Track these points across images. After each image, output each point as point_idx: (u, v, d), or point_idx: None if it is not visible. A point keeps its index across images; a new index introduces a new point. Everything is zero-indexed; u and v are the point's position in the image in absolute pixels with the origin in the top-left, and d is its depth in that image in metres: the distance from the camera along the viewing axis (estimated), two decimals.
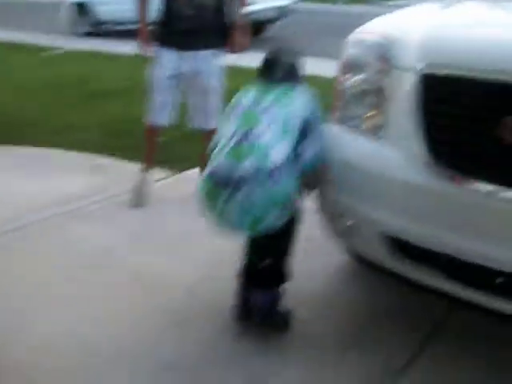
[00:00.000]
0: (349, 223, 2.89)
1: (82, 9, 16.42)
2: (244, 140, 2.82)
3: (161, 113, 4.76)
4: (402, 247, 2.73)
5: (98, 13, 16.20)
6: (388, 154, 2.69)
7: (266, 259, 3.05)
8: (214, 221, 2.93)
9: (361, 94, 2.89)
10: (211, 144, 3.06)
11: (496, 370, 2.83)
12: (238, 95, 3.11)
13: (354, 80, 2.93)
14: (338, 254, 3.65)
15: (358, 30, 3.07)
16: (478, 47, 2.56)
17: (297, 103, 2.92)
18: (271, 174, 2.75)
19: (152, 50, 4.70)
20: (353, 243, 3.14)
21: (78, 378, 2.81)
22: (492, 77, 2.41)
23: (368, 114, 2.84)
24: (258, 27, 15.81)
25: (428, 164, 2.53)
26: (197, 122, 4.87)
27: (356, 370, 2.86)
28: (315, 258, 3.79)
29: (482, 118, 2.42)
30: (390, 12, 3.22)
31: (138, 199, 4.77)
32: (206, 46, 4.67)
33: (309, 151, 2.88)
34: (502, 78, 2.38)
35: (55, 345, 3.05)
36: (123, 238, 4.21)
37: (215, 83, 4.78)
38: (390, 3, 21.66)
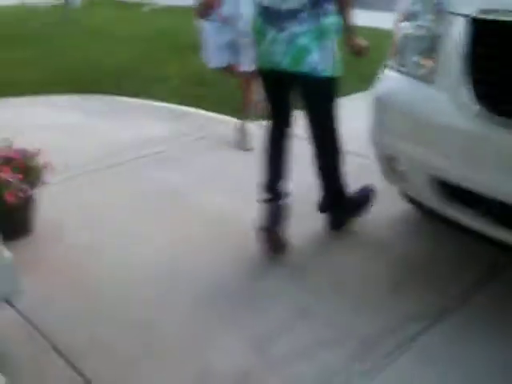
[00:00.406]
0: (401, 168, 3.00)
1: None
2: None
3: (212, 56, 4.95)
4: (451, 191, 2.82)
5: None
6: (439, 100, 2.75)
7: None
8: (263, 56, 3.18)
9: (416, 41, 2.95)
10: None
11: None
12: None
13: (410, 26, 3.00)
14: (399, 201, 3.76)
15: None
16: None
17: None
18: (318, 4, 3.00)
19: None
20: (406, 188, 3.24)
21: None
22: None
23: (422, 60, 2.91)
24: None
25: (476, 109, 2.60)
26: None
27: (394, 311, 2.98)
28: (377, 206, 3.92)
29: None
30: None
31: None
32: None
33: None
34: None
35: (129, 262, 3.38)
36: (193, 179, 4.47)
37: None
38: None
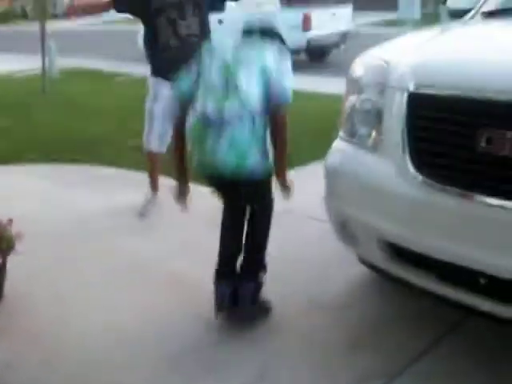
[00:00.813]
0: (353, 231, 3.21)
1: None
2: (228, 85, 3.29)
3: (160, 140, 5.15)
4: (398, 253, 3.03)
5: None
6: (384, 168, 3.01)
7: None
8: (203, 163, 3.42)
9: (362, 113, 3.21)
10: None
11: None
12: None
13: (357, 99, 3.25)
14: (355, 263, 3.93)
15: (362, 54, 3.42)
16: (457, 70, 2.90)
17: (266, 54, 3.37)
18: (252, 115, 3.26)
19: None
20: (359, 250, 3.44)
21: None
22: (470, 94, 2.73)
23: (369, 132, 3.16)
24: (321, 52, 16.23)
25: (417, 176, 2.84)
26: None
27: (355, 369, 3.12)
28: (334, 266, 4.12)
29: (462, 132, 2.72)
30: None
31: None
32: None
33: (279, 85, 3.32)
34: (479, 95, 2.69)
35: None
36: (165, 248, 4.62)
37: None
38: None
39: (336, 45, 15.72)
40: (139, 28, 18.03)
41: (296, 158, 6.37)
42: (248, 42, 3.45)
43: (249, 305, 3.57)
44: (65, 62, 15.29)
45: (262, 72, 3.29)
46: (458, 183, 2.71)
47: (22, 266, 3.94)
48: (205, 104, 3.32)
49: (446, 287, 2.91)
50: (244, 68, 3.31)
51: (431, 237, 2.82)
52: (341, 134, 3.38)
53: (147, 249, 4.60)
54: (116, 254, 4.51)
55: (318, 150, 6.70)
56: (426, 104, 2.88)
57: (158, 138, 5.15)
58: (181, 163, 3.58)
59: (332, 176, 3.35)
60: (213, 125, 3.30)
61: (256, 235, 3.62)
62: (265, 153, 3.35)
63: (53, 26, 12.53)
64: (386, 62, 3.14)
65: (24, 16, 58.06)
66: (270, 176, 3.45)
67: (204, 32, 4.97)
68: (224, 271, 3.60)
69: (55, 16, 35.77)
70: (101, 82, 13.80)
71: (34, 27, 39.06)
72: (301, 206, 5.06)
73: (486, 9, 4.07)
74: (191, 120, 3.49)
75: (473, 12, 4.13)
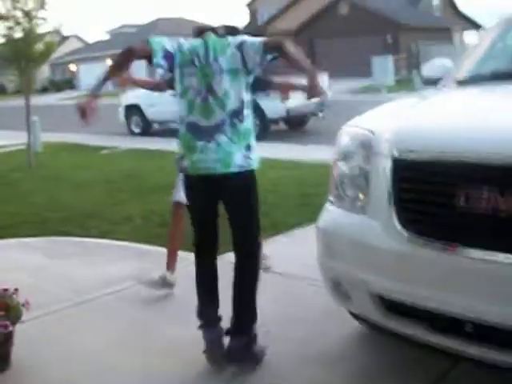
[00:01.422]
0: (345, 288, 3.42)
1: (134, 111, 17.62)
2: (209, 95, 3.67)
3: None
4: (389, 305, 3.24)
5: (148, 114, 17.44)
6: (373, 228, 3.24)
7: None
8: (194, 166, 3.72)
9: (350, 178, 3.47)
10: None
11: None
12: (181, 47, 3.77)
13: (345, 166, 3.51)
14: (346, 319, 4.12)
15: (348, 123, 3.69)
16: (436, 136, 3.18)
17: (232, 46, 3.71)
18: (236, 114, 3.67)
19: None
20: (350, 306, 3.64)
21: None
22: (449, 158, 3.00)
23: (357, 195, 3.41)
24: (300, 121, 16.66)
25: (403, 233, 3.08)
26: None
27: None
28: (327, 323, 4.30)
29: (443, 192, 2.99)
30: None
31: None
32: None
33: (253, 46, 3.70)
34: (457, 158, 2.98)
35: None
36: (160, 314, 4.78)
37: None
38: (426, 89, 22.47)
39: (314, 113, 16.15)
40: (120, 102, 18.63)
41: (283, 224, 6.64)
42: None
43: (240, 358, 3.79)
44: (46, 137, 15.57)
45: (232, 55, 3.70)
46: (441, 238, 2.95)
47: (25, 334, 4.08)
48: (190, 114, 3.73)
49: (437, 336, 3.11)
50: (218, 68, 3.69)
51: (419, 289, 3.04)
52: (330, 198, 3.62)
53: (145, 316, 4.75)
54: (116, 321, 4.67)
55: (302, 215, 7.02)
56: (409, 168, 3.15)
57: None
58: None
59: (324, 237, 3.58)
60: (199, 132, 3.69)
61: (244, 284, 3.87)
62: (251, 146, 3.73)
63: (33, 100, 12.81)
64: (371, 131, 3.41)
65: (2, 92, 58.90)
66: (255, 183, 3.82)
67: None
68: (206, 317, 3.90)
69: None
70: (85, 155, 14.08)
71: (10, 102, 39.42)
72: (290, 267, 5.29)
73: (458, 76, 4.38)
74: (180, 129, 3.82)
75: (446, 79, 4.44)
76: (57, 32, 12.80)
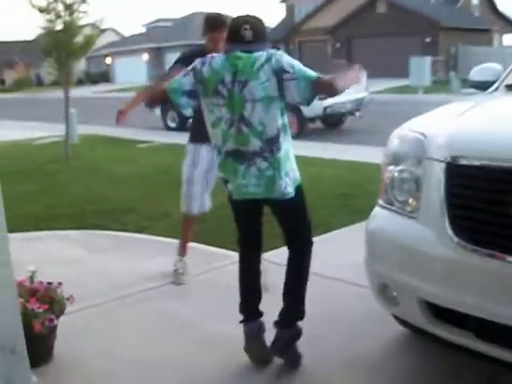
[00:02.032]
0: (393, 293, 3.38)
1: (171, 105, 17.63)
2: (242, 125, 3.48)
3: (201, 203, 5.32)
4: (438, 312, 3.19)
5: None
6: (423, 233, 3.20)
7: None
8: (237, 190, 3.64)
9: (401, 183, 3.42)
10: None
11: None
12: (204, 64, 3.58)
13: (395, 169, 3.46)
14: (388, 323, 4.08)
15: (400, 127, 3.64)
16: (491, 141, 3.12)
17: (267, 69, 3.43)
18: (273, 142, 3.49)
19: None
20: (397, 311, 3.59)
21: None
22: (505, 164, 2.95)
23: (407, 199, 3.36)
24: (337, 119, 16.58)
25: (455, 240, 3.03)
26: None
27: None
28: (368, 327, 4.26)
29: (496, 199, 2.93)
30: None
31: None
32: None
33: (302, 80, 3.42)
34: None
35: None
36: (200, 309, 4.78)
37: None
38: (463, 91, 22.35)
39: (351, 112, 16.08)
40: None
41: (323, 225, 6.59)
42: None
43: (282, 348, 3.79)
44: (81, 129, 15.68)
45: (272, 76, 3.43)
46: (495, 246, 2.90)
47: (67, 327, 4.11)
48: (226, 143, 3.59)
49: (484, 344, 3.06)
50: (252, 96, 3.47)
51: (469, 296, 3.00)
52: (380, 202, 3.58)
53: (184, 311, 4.75)
54: (155, 316, 4.68)
55: (342, 216, 6.99)
56: (463, 173, 3.10)
57: (199, 201, 5.31)
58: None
59: (373, 240, 3.54)
60: (240, 158, 3.56)
61: (295, 279, 3.85)
62: (292, 173, 3.63)
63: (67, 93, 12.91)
64: (423, 135, 3.36)
65: (39, 84, 59.60)
66: (302, 196, 3.77)
67: None
68: (247, 311, 3.90)
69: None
70: (122, 149, 14.15)
71: (47, 94, 40.03)
72: (332, 269, 5.24)
73: (509, 81, 4.31)
74: (218, 157, 3.72)
75: (496, 84, 4.38)
76: (97, 26, 12.79)
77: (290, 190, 3.59)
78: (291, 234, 3.85)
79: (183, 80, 3.60)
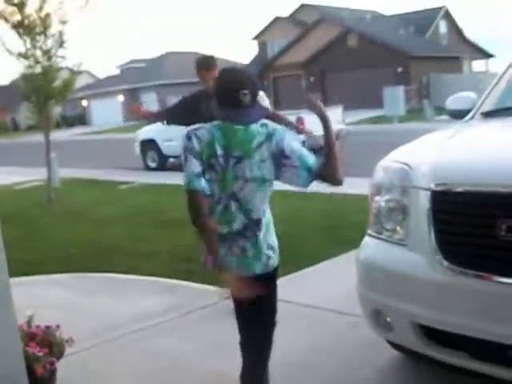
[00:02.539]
0: (386, 318, 3.48)
1: (150, 145, 17.76)
2: (232, 201, 3.15)
3: None
4: (431, 333, 3.31)
5: (164, 148, 17.57)
6: (413, 259, 3.34)
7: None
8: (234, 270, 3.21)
9: (388, 211, 3.55)
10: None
11: None
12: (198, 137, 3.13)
13: (382, 199, 3.58)
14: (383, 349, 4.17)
15: (384, 158, 3.78)
16: (474, 168, 3.29)
17: (264, 149, 3.12)
18: (257, 224, 3.20)
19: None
20: (391, 336, 3.69)
21: None
22: (488, 189, 3.11)
23: (395, 228, 3.49)
24: (315, 151, 16.75)
25: (443, 263, 3.16)
26: None
27: None
28: (363, 354, 4.35)
29: (480, 223, 3.08)
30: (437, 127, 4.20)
31: None
32: None
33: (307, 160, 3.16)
34: (496, 190, 3.09)
35: None
36: (191, 347, 4.82)
37: None
38: (437, 118, 22.85)
39: None
40: (136, 137, 18.82)
41: (311, 257, 6.70)
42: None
43: None
44: (61, 172, 15.70)
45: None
46: (482, 267, 3.04)
47: (66, 369, 4.14)
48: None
49: (479, 363, 3.17)
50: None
51: (462, 318, 3.12)
52: (369, 231, 3.70)
53: (178, 349, 4.81)
54: (150, 354, 4.73)
55: (330, 247, 7.09)
56: (447, 200, 3.25)
57: None
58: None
59: (364, 269, 3.66)
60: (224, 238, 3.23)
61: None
62: (273, 241, 3.34)
63: (43, 137, 13.00)
64: (407, 165, 3.50)
65: (15, 129, 59.49)
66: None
67: None
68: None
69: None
70: (103, 190, 14.20)
71: (24, 139, 39.71)
72: (324, 300, 5.33)
73: (484, 109, 4.48)
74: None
75: (472, 112, 4.55)
76: (75, 71, 12.90)
77: (274, 261, 3.31)
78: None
79: (189, 165, 3.13)
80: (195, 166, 3.11)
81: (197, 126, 3.24)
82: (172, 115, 5.96)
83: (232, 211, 3.19)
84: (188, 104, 5.63)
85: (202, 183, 3.10)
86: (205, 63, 5.57)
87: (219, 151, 3.11)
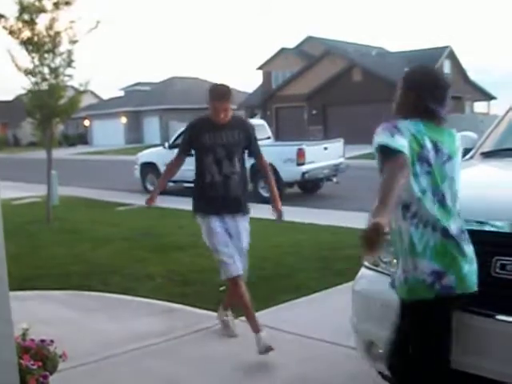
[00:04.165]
0: (379, 349, 3.52)
1: (150, 168, 17.80)
2: (446, 200, 3.03)
3: (238, 262, 5.14)
4: None
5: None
6: None
7: None
8: (454, 282, 2.98)
9: (386, 244, 3.58)
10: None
11: None
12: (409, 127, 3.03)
13: None
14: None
15: None
16: (470, 206, 3.33)
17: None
18: (464, 232, 3.07)
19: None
20: (382, 366, 3.70)
21: None
22: (483, 227, 3.19)
23: (390, 260, 3.53)
24: (315, 184, 16.86)
25: None
26: None
27: None
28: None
29: (480, 260, 3.11)
30: None
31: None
32: (239, 210, 5.28)
33: None
34: (491, 228, 3.16)
35: None
36: (186, 369, 4.86)
37: (246, 239, 5.30)
38: None
39: (328, 177, 16.36)
40: (136, 160, 18.87)
41: (305, 288, 6.74)
42: None
43: None
44: (60, 190, 15.74)
45: None
46: (480, 304, 3.08)
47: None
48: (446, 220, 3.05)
49: None
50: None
51: (455, 353, 3.13)
52: (366, 263, 3.74)
53: (171, 371, 4.84)
54: (142, 375, 4.77)
55: (324, 279, 7.13)
56: None
57: (236, 261, 5.13)
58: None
59: (360, 300, 3.71)
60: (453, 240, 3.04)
61: None
62: None
63: (43, 154, 13.08)
64: None
65: (16, 144, 59.69)
66: None
67: (243, 169, 5.32)
68: None
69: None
70: (101, 211, 14.27)
71: (23, 155, 39.74)
72: (317, 331, 5.36)
73: (484, 149, 4.56)
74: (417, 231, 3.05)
75: (472, 152, 4.62)
76: (81, 90, 12.99)
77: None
78: None
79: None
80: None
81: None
82: (187, 152, 5.48)
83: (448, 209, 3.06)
84: (195, 134, 5.31)
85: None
86: (220, 94, 5.15)
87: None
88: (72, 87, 13.36)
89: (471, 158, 4.61)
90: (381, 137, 2.95)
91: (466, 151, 4.71)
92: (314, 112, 43.15)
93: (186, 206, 5.49)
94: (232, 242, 5.17)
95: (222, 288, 5.83)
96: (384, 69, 40.30)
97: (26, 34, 11.69)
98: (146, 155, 18.54)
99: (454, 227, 3.03)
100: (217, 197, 5.16)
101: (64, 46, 11.95)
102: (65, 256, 9.08)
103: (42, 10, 11.57)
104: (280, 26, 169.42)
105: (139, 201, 15.73)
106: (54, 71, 12.04)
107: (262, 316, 5.28)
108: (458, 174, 3.16)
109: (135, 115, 55.15)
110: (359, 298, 3.72)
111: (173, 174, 5.64)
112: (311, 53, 46.30)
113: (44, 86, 12.11)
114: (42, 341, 4.07)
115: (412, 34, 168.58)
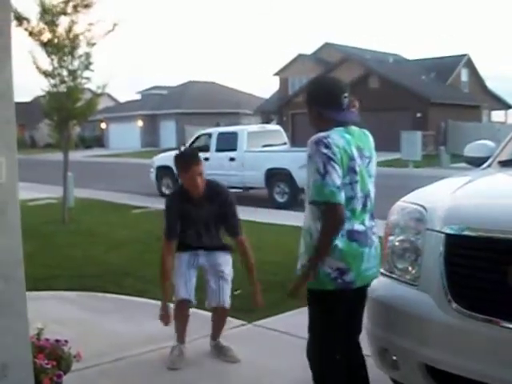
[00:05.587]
0: (393, 357, 3.51)
1: (166, 172, 17.83)
2: (366, 203, 3.48)
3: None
4: (437, 375, 3.35)
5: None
6: (423, 299, 3.38)
7: None
8: (357, 276, 3.40)
9: (402, 251, 3.61)
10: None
11: None
12: (338, 141, 3.30)
13: (396, 239, 3.64)
14: None
15: (401, 200, 3.84)
16: (488, 214, 3.34)
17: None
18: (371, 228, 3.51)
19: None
20: (397, 375, 3.72)
21: None
22: (500, 235, 3.16)
23: (407, 267, 3.54)
24: None
25: (453, 306, 3.21)
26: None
27: None
28: None
29: (493, 268, 3.13)
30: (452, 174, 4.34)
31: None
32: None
33: None
34: (503, 236, 3.15)
35: None
36: (199, 372, 4.89)
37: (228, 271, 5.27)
38: (453, 165, 22.95)
39: None
40: (153, 163, 18.92)
41: None
42: None
43: None
44: (75, 192, 15.82)
45: None
46: (491, 312, 3.08)
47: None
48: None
49: None
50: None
51: (468, 361, 3.15)
52: (381, 270, 3.75)
53: (184, 374, 4.88)
54: (156, 377, 4.82)
55: None
56: (460, 244, 3.30)
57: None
58: None
59: (375, 307, 3.70)
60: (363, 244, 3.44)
61: None
62: None
63: (60, 156, 13.15)
64: (423, 207, 3.57)
65: (33, 146, 59.97)
66: None
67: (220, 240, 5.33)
68: None
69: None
70: (117, 213, 14.32)
71: (40, 156, 40.01)
72: None
73: (502, 158, 4.55)
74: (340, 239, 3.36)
75: (490, 160, 4.61)
76: (99, 93, 13.07)
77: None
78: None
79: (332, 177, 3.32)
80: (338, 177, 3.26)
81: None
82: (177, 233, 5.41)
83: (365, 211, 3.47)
84: (178, 210, 5.24)
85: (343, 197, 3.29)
86: (193, 155, 5.01)
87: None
88: (89, 90, 13.46)
89: (489, 166, 4.59)
90: (319, 186, 3.25)
91: (483, 160, 4.71)
92: None
93: None
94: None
95: (236, 291, 5.82)
96: (401, 76, 40.21)
97: (47, 35, 11.80)
98: (161, 159, 18.58)
99: (362, 227, 3.41)
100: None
101: (82, 49, 12.07)
102: (79, 257, 9.13)
103: (63, 13, 11.66)
104: (297, 33, 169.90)
105: (155, 204, 15.89)
106: (73, 73, 12.15)
107: (273, 321, 5.29)
108: (374, 172, 3.56)
109: (151, 119, 55.30)
110: (374, 304, 3.71)
111: (171, 266, 5.34)
112: (328, 59, 46.25)
113: (62, 88, 12.23)
114: (57, 341, 4.11)
115: (429, 42, 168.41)
